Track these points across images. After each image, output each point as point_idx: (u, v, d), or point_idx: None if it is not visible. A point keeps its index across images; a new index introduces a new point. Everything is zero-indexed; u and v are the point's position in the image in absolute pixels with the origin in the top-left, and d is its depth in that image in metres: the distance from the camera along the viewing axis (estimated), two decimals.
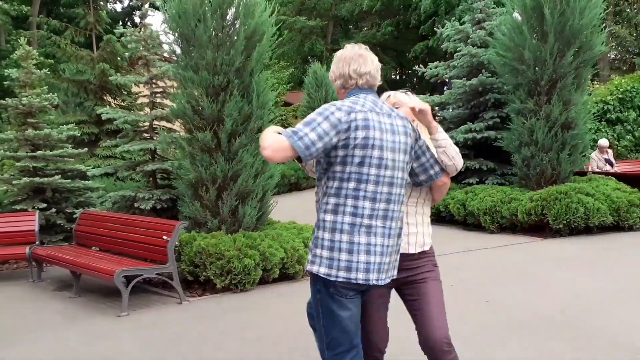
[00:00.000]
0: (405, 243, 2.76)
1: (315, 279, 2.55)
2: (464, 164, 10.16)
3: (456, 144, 10.67)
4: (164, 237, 5.92)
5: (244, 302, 5.89)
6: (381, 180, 2.45)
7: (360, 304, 2.59)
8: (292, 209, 11.81)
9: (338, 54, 2.66)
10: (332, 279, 2.44)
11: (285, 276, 6.63)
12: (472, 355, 4.08)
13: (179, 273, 6.11)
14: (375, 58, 2.68)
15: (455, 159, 2.82)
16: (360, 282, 2.43)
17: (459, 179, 11.02)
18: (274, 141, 2.34)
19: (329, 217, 2.46)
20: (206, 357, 4.38)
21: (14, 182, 8.36)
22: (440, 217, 10.45)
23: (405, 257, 2.77)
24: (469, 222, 9.67)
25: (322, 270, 2.47)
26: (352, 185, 2.43)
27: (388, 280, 2.56)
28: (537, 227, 8.84)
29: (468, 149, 10.83)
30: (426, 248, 2.86)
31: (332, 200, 2.46)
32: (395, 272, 2.62)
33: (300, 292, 6.22)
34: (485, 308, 5.23)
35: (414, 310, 2.87)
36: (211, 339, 4.77)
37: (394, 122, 2.53)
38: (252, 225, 6.84)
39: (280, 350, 4.45)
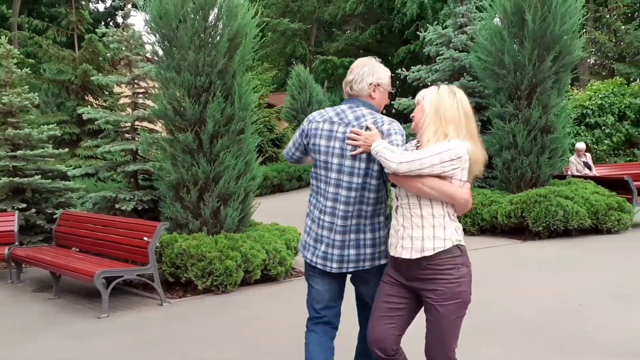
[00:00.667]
0: (400, 247, 2.67)
1: None
2: None
3: None
4: (145, 239, 5.90)
5: (225, 304, 5.89)
6: (328, 181, 2.87)
7: (329, 282, 3.04)
8: (275, 211, 11.81)
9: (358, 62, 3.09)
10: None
11: (267, 278, 6.64)
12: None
13: (159, 274, 6.09)
14: (368, 67, 2.96)
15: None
16: (312, 264, 2.98)
17: None
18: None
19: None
20: (187, 358, 4.38)
21: None
22: None
23: (408, 264, 2.68)
24: None
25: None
26: (313, 182, 2.99)
27: (341, 270, 2.92)
28: (517, 229, 8.93)
29: None
30: (427, 253, 2.61)
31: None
32: (353, 265, 2.90)
33: (282, 294, 6.24)
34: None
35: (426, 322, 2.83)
36: (192, 341, 4.77)
37: (349, 130, 2.83)
38: (234, 226, 6.83)
39: (261, 351, 4.45)
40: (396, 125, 2.85)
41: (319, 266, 2.95)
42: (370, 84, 2.92)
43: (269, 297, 6.12)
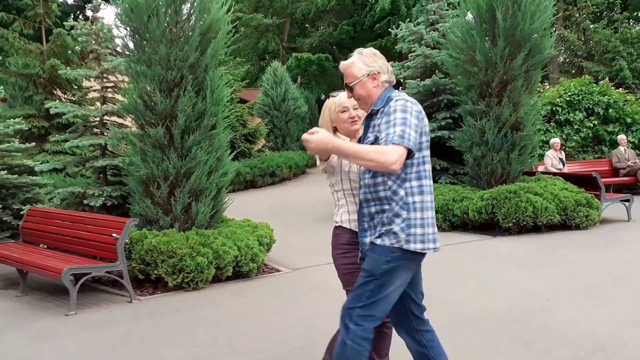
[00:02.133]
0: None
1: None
2: None
3: None
4: (114, 235, 5.82)
5: (196, 301, 5.83)
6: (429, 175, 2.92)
7: None
8: (248, 207, 11.75)
9: (376, 51, 3.03)
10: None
11: (239, 274, 6.60)
12: None
13: (129, 271, 6.01)
14: None
15: None
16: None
17: None
18: (395, 156, 2.60)
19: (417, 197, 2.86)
20: (156, 356, 4.33)
21: None
22: None
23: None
24: None
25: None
26: (423, 167, 2.86)
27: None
28: (488, 225, 9.03)
29: None
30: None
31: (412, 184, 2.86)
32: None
33: (253, 290, 6.21)
34: (434, 305, 5.29)
35: None
36: (162, 338, 4.72)
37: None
38: (206, 223, 6.78)
39: (232, 348, 4.42)
40: None
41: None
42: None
43: (240, 294, 6.08)
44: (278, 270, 7.08)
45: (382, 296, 2.77)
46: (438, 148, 10.88)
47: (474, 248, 8.02)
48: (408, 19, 13.41)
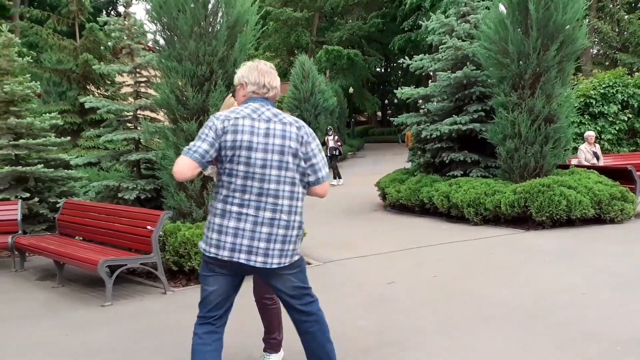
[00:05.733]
0: None
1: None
2: (448, 156, 10.09)
3: (441, 136, 10.77)
4: (148, 227, 5.90)
5: None
6: (252, 176, 2.89)
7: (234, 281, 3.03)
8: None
9: (253, 64, 3.14)
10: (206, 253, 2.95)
11: None
12: (451, 345, 4.12)
13: (163, 263, 6.10)
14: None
15: None
16: (225, 258, 2.89)
17: (443, 171, 11.08)
18: (180, 167, 2.84)
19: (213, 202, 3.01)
20: (189, 347, 4.37)
21: None
22: (424, 209, 10.51)
23: None
24: (453, 214, 9.73)
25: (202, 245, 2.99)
26: (225, 178, 2.93)
27: (268, 266, 2.92)
28: (520, 219, 8.92)
29: (452, 141, 10.89)
30: None
31: (216, 189, 3.00)
32: (277, 260, 2.93)
33: None
34: (467, 299, 5.27)
35: None
36: None
37: (272, 126, 2.95)
38: None
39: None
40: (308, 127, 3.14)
41: (234, 259, 2.94)
42: None
43: None
44: (309, 263, 7.11)
45: (202, 296, 3.03)
46: (469, 141, 10.79)
47: (506, 242, 7.94)
48: (439, 11, 13.27)
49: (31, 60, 9.72)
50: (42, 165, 8.45)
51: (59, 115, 9.61)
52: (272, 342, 3.88)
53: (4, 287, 6.46)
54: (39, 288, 6.36)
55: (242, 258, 2.86)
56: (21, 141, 8.51)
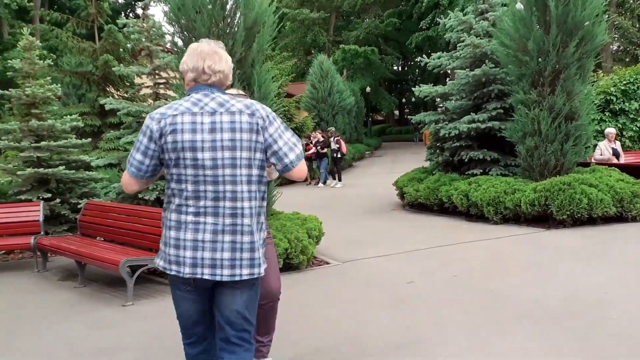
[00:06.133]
0: None
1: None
2: (467, 154, 10.05)
3: (459, 134, 10.71)
4: None
5: None
6: (203, 179, 2.50)
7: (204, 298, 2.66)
8: (297, 200, 11.84)
9: (195, 46, 2.66)
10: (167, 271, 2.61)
11: (290, 266, 6.65)
12: (473, 344, 4.10)
13: None
14: (228, 57, 2.70)
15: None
16: (187, 275, 2.53)
17: (462, 169, 11.01)
18: (123, 181, 2.69)
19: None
20: None
21: (18, 172, 8.40)
22: (443, 208, 10.46)
23: None
24: (472, 213, 9.67)
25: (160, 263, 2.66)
26: (174, 185, 2.56)
27: (237, 278, 2.53)
28: (541, 218, 8.84)
29: (471, 139, 10.83)
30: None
31: (166, 199, 2.64)
32: (247, 270, 2.55)
33: (303, 282, 6.25)
34: (488, 299, 5.24)
35: None
36: None
37: (217, 119, 2.51)
38: None
39: (283, 338, 4.47)
40: (269, 108, 2.67)
41: (198, 275, 2.55)
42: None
43: (291, 286, 6.12)
44: (327, 263, 7.11)
45: (177, 317, 2.75)
46: (489, 139, 10.72)
47: (527, 241, 7.87)
48: (457, 8, 13.21)
49: (52, 63, 9.84)
50: (64, 167, 8.54)
51: (79, 118, 9.71)
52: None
53: (27, 287, 6.54)
54: (61, 288, 6.43)
55: (205, 273, 2.50)
56: (43, 143, 8.61)
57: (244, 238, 2.52)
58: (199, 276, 2.50)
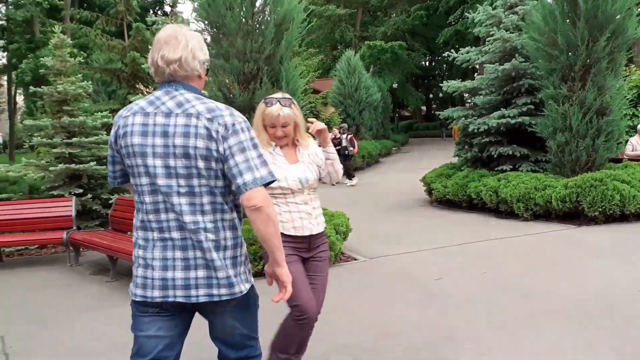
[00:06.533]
0: (316, 225, 3.23)
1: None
2: (496, 150, 9.89)
3: (489, 129, 10.59)
4: None
5: (273, 289, 5.91)
6: (157, 189, 2.18)
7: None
8: (323, 196, 11.82)
9: (157, 35, 2.29)
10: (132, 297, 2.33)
11: None
12: (505, 342, 4.06)
13: None
14: (196, 40, 2.25)
15: (337, 173, 3.33)
16: (157, 299, 2.24)
17: (491, 165, 10.90)
18: None
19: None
20: None
21: (51, 168, 8.54)
22: (472, 205, 10.37)
23: (316, 237, 3.24)
24: (501, 210, 9.57)
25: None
26: (136, 197, 2.28)
27: (216, 298, 2.24)
28: (572, 214, 8.71)
29: (501, 135, 10.70)
30: (325, 225, 3.38)
31: (135, 213, 2.34)
32: (226, 290, 2.24)
33: (331, 278, 6.24)
34: (518, 296, 5.19)
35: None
36: None
37: (172, 122, 2.16)
38: None
39: (317, 331, 4.47)
40: (241, 117, 2.22)
41: (156, 299, 2.26)
42: (203, 62, 2.28)
43: None
44: (355, 259, 7.10)
45: (134, 346, 2.42)
46: (518, 134, 10.59)
47: (558, 237, 7.76)
48: (486, 2, 13.06)
49: (82, 61, 9.99)
50: (95, 162, 8.67)
51: (110, 114, 9.85)
52: None
53: (60, 281, 6.66)
54: (93, 282, 6.53)
55: (179, 296, 2.21)
56: (74, 139, 8.75)
57: (214, 255, 2.19)
58: (170, 300, 2.21)
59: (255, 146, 2.18)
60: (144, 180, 2.19)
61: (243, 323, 2.41)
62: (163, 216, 2.19)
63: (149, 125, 2.17)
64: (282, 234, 2.93)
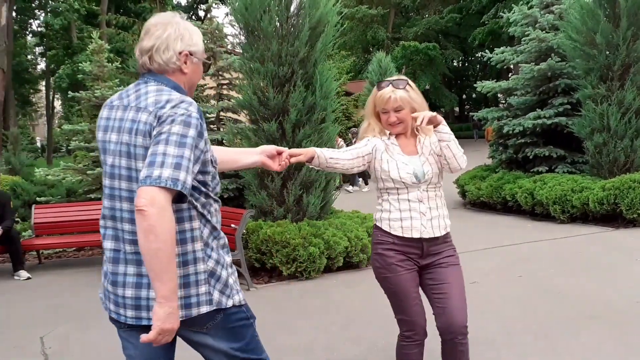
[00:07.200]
0: (430, 228, 2.74)
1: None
2: (532, 151, 9.71)
3: (524, 130, 10.44)
4: (232, 225, 6.05)
5: (309, 290, 5.95)
6: (116, 193, 1.92)
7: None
8: (354, 199, 11.83)
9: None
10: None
11: (350, 265, 6.67)
12: (544, 345, 4.01)
13: (246, 260, 6.24)
14: (173, 28, 1.98)
15: (457, 157, 2.74)
16: (112, 315, 2.02)
17: (526, 167, 10.75)
18: None
19: None
20: (274, 343, 4.46)
21: (88, 172, 8.71)
22: (506, 207, 10.24)
23: (432, 242, 2.77)
24: (537, 212, 9.43)
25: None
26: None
27: (123, 320, 1.97)
28: (610, 217, 8.53)
29: (537, 136, 10.54)
30: (448, 229, 2.85)
31: None
32: (142, 314, 1.91)
33: (364, 281, 6.24)
34: (555, 299, 5.10)
35: (435, 293, 2.81)
36: (281, 325, 4.85)
37: (126, 115, 1.91)
38: (316, 214, 6.90)
39: (347, 336, 4.48)
40: (186, 111, 1.84)
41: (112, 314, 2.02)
42: (180, 52, 1.97)
43: (351, 284, 6.14)
44: None
45: None
46: (554, 135, 10.42)
47: (595, 240, 7.62)
48: (521, 2, 12.88)
49: (119, 66, 10.17)
50: None
51: None
52: None
53: (97, 283, 6.71)
54: None
55: (121, 314, 1.95)
56: None
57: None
58: (122, 320, 1.96)
59: (181, 144, 1.77)
60: (107, 181, 1.95)
61: (236, 347, 2.16)
62: (119, 225, 1.92)
63: (110, 120, 1.96)
64: (390, 234, 2.77)
